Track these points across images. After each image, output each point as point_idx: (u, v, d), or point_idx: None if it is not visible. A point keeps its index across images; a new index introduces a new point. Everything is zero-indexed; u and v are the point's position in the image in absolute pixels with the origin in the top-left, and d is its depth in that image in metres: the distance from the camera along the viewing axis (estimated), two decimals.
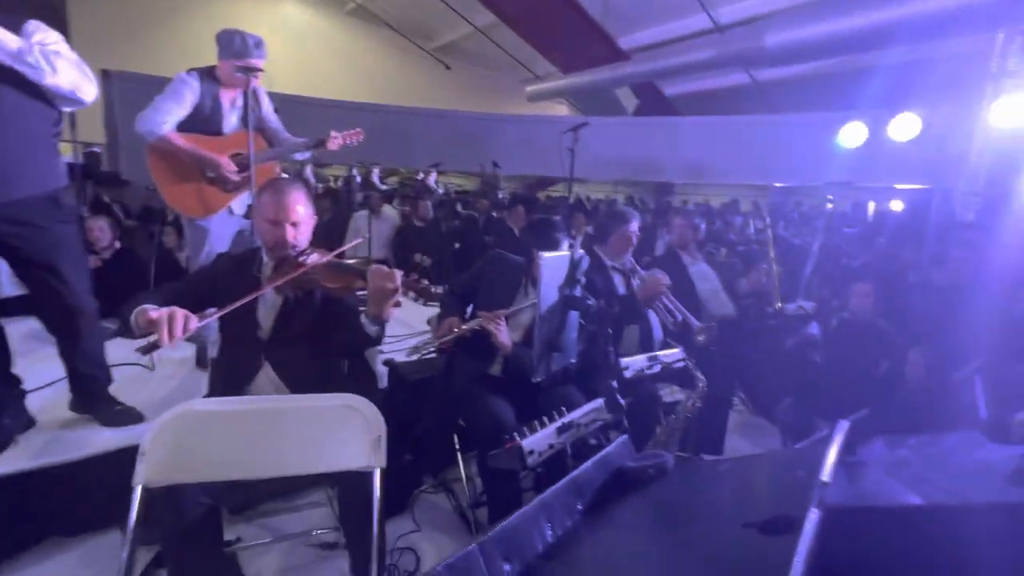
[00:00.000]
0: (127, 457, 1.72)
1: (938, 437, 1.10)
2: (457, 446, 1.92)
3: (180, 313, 1.17)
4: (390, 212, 6.21)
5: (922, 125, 4.98)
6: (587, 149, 5.66)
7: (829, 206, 3.58)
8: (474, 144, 8.54)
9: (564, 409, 1.07)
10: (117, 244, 3.36)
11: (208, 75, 2.36)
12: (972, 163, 4.77)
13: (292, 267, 1.49)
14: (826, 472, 0.64)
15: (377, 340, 1.50)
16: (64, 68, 1.60)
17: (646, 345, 2.30)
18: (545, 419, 1.03)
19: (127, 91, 5.99)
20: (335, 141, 2.53)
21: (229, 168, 2.34)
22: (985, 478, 0.77)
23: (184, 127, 2.32)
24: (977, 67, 4.73)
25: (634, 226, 2.47)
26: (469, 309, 2.01)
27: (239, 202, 2.49)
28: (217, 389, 1.50)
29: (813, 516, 0.56)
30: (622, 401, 1.12)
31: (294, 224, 1.52)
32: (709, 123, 9.21)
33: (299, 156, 2.58)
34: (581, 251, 1.37)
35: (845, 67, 8.88)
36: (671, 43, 9.68)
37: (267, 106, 2.55)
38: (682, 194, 11.26)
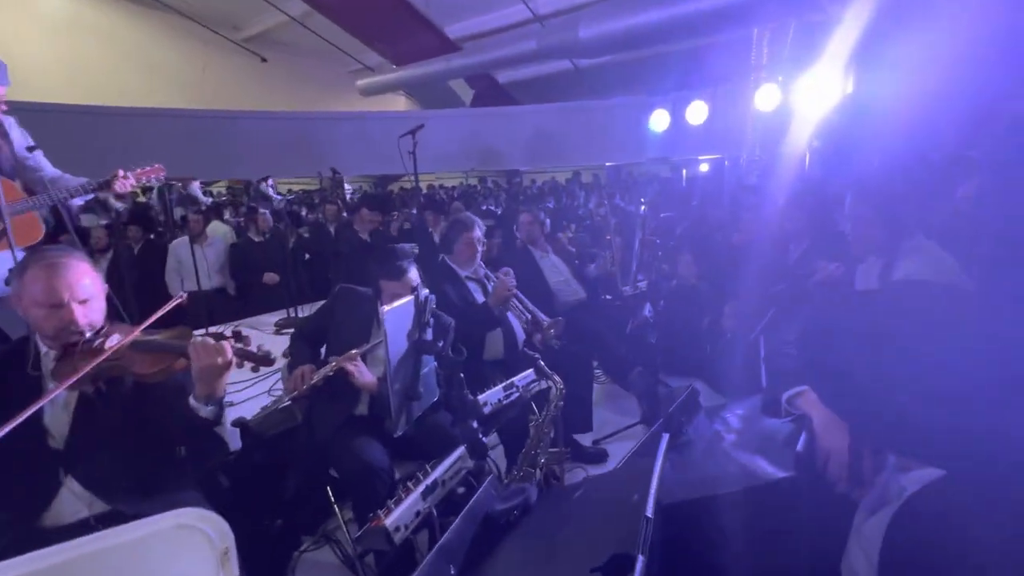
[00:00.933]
0: None
1: (748, 403, 1.33)
2: (332, 498, 1.80)
3: None
4: (219, 231, 5.49)
5: (709, 109, 5.92)
6: (430, 143, 5.60)
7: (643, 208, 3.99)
8: (308, 147, 7.88)
9: (427, 468, 1.06)
10: None
11: None
12: (748, 136, 5.79)
13: (87, 355, 1.23)
14: (650, 507, 0.73)
15: (216, 421, 1.31)
16: None
17: (510, 348, 2.40)
18: (409, 484, 1.01)
19: None
20: (125, 182, 2.13)
21: None
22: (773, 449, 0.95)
23: None
24: (746, 57, 5.73)
25: (477, 232, 2.52)
26: (323, 351, 1.88)
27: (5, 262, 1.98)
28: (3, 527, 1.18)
29: (640, 563, 0.64)
30: (484, 440, 1.15)
31: (82, 302, 1.26)
32: (542, 110, 9.73)
33: (77, 201, 2.12)
34: (425, 291, 1.36)
35: (649, 55, 10.03)
36: (497, 32, 9.95)
37: (20, 142, 2.06)
38: (530, 173, 11.78)
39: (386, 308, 1.18)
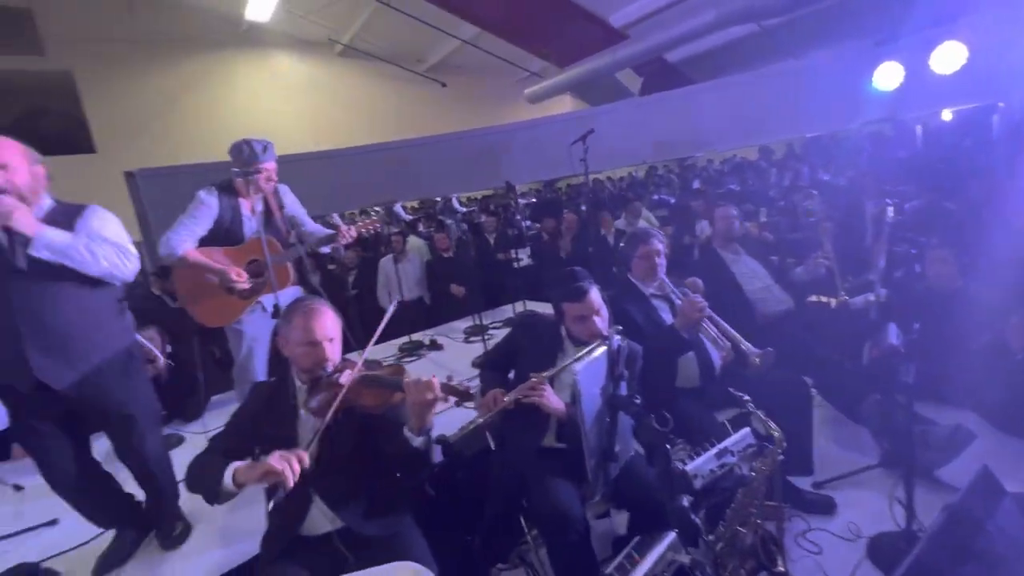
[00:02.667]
0: None
1: None
2: (525, 527, 1.83)
3: (289, 453, 1.26)
4: (415, 245, 6.21)
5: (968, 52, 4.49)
6: (599, 141, 5.46)
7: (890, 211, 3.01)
8: (485, 160, 8.45)
9: (633, 555, 0.95)
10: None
11: (226, 188, 2.42)
12: None
13: (329, 388, 1.45)
14: None
15: (426, 450, 1.44)
16: (104, 254, 1.68)
17: (707, 374, 2.13)
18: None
19: (150, 187, 6.24)
20: (349, 233, 2.56)
21: (237, 279, 2.34)
22: None
23: (207, 240, 2.36)
24: None
25: (655, 244, 2.28)
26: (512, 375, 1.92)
27: (272, 301, 2.51)
28: (273, 535, 1.46)
29: None
30: (697, 520, 0.99)
31: (331, 340, 1.49)
32: (721, 85, 8.71)
33: (325, 249, 2.60)
34: (618, 339, 1.25)
35: None
36: (665, 9, 9.25)
37: (291, 204, 2.57)
38: (708, 155, 10.66)
39: (577, 365, 1.11)
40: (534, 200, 10.66)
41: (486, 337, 3.92)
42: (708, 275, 2.67)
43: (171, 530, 2.01)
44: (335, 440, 1.47)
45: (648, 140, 8.40)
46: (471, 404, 1.43)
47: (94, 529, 2.05)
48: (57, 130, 9.02)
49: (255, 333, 2.52)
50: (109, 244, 1.71)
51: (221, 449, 1.45)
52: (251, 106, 9.99)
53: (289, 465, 1.24)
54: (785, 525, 1.66)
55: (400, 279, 4.84)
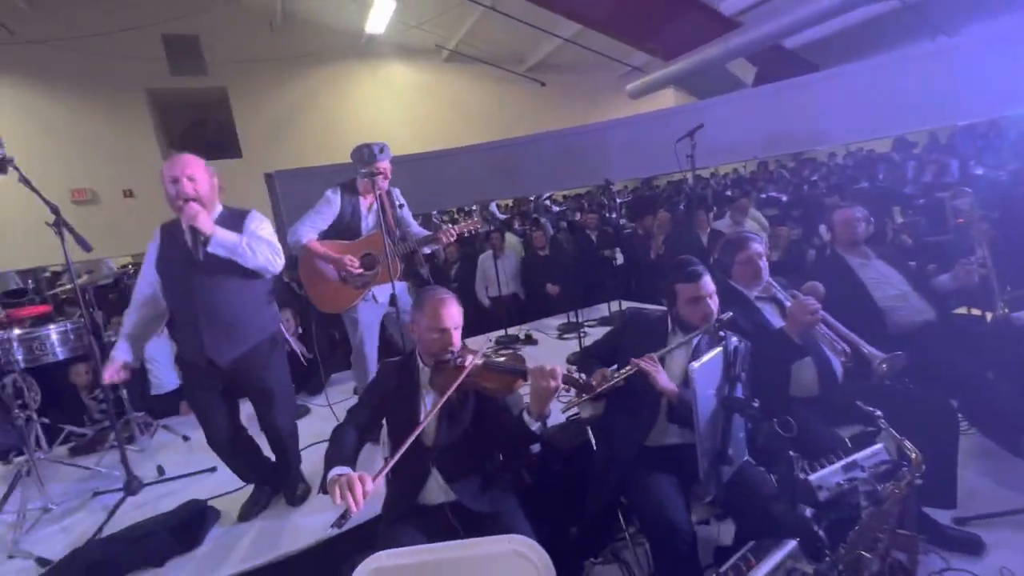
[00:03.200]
0: (326, 548, 2.01)
1: None
2: (623, 524, 1.83)
3: (355, 479, 1.27)
4: (511, 243, 6.36)
5: None
6: (705, 138, 5.17)
7: None
8: (583, 159, 8.42)
9: (749, 557, 0.92)
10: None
11: (348, 187, 2.69)
12: None
13: (453, 371, 1.56)
14: None
15: (542, 435, 1.51)
16: (261, 251, 2.00)
17: (827, 382, 1.96)
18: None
19: (286, 186, 7.09)
20: (449, 234, 2.72)
21: (351, 265, 2.58)
22: None
23: (328, 234, 2.64)
24: None
25: (755, 247, 2.13)
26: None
27: (381, 291, 2.74)
28: (394, 501, 1.62)
29: None
30: (821, 533, 0.93)
31: (456, 328, 1.62)
32: (850, 71, 7.81)
33: (427, 249, 2.80)
34: (735, 339, 1.21)
35: None
36: None
37: (401, 202, 2.80)
38: (831, 148, 9.61)
39: (694, 364, 1.10)
40: (630, 198, 10.41)
41: (581, 335, 3.93)
42: (831, 280, 2.44)
43: (295, 489, 2.32)
44: (453, 419, 1.59)
45: (760, 134, 7.80)
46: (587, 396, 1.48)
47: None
48: (213, 138, 10.53)
49: (368, 321, 2.76)
50: (264, 243, 2.03)
51: (354, 421, 1.63)
52: (366, 112, 10.89)
53: (350, 492, 1.26)
54: (919, 558, 1.49)
55: (498, 274, 5.01)
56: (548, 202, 11.69)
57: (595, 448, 1.87)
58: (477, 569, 1.01)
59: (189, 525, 2.07)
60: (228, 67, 9.63)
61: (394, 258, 2.59)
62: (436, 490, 1.56)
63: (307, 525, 2.10)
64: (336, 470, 1.37)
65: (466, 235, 2.89)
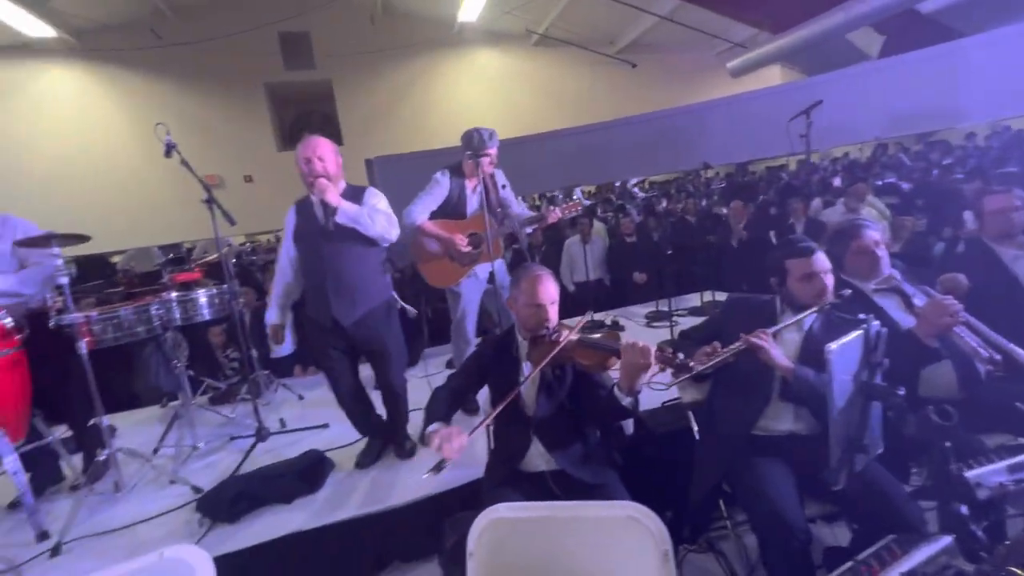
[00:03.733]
0: (432, 502, 2.17)
1: None
2: (724, 512, 1.79)
3: (453, 431, 1.44)
4: (598, 229, 6.29)
5: None
6: (817, 119, 4.72)
7: None
8: (674, 142, 8.06)
9: (893, 548, 0.86)
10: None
11: (456, 170, 2.81)
12: None
13: (549, 345, 1.62)
14: None
15: (634, 411, 1.53)
16: (379, 221, 2.22)
17: (969, 383, 1.76)
18: (872, 563, 0.85)
19: (385, 172, 7.51)
20: (553, 215, 2.78)
21: (461, 244, 2.71)
22: None
23: (437, 214, 2.79)
24: None
25: (871, 235, 1.92)
26: None
27: (482, 268, 2.86)
28: (496, 466, 1.71)
29: None
30: (979, 533, 0.85)
31: (552, 304, 1.67)
32: (1000, 37, 6.68)
33: (528, 230, 2.86)
34: (877, 324, 1.12)
35: None
36: None
37: (504, 184, 2.88)
38: (972, 128, 8.31)
39: (832, 346, 1.04)
40: (723, 185, 9.80)
41: (672, 323, 3.83)
42: (976, 275, 2.17)
43: (403, 445, 2.55)
44: (551, 391, 1.64)
45: (884, 112, 6.96)
46: (686, 375, 1.46)
47: (353, 435, 2.65)
48: (318, 128, 11.40)
49: (470, 297, 2.89)
50: (382, 214, 2.26)
51: (453, 386, 1.76)
52: (457, 99, 11.19)
53: (449, 446, 1.43)
54: None
55: (587, 260, 4.99)
56: (635, 188, 11.37)
57: (697, 434, 1.83)
58: (592, 530, 1.05)
59: (312, 471, 2.32)
60: (333, 60, 10.32)
61: (496, 238, 2.68)
62: (537, 458, 1.62)
63: (415, 481, 2.27)
64: (434, 425, 1.52)
65: (568, 217, 2.91)
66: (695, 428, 1.83)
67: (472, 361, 1.83)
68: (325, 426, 2.96)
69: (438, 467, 1.36)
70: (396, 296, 2.63)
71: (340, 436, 2.74)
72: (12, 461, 2.13)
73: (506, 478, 1.62)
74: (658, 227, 6.89)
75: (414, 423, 2.63)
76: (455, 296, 2.91)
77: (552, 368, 1.64)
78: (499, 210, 2.86)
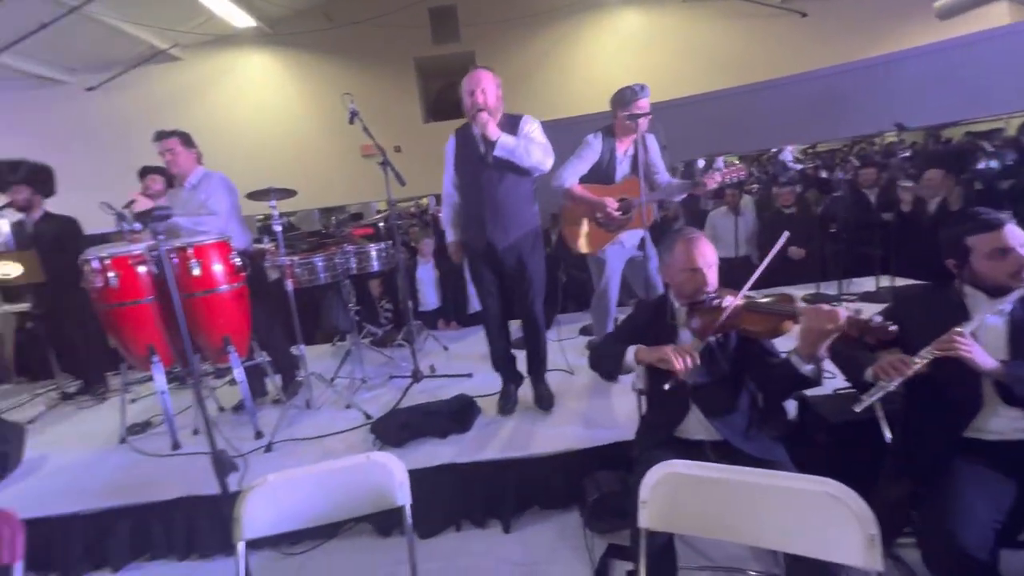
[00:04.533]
0: (570, 457, 2.25)
1: None
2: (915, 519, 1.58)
3: (683, 348, 1.46)
4: (746, 202, 5.76)
5: None
6: None
7: None
8: (847, 104, 6.94)
9: None
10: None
11: (607, 132, 2.76)
12: None
13: (711, 311, 1.55)
14: None
15: (816, 380, 1.42)
16: (534, 151, 2.31)
17: None
18: None
19: None
20: (712, 180, 2.58)
21: (611, 208, 2.66)
22: None
23: (585, 178, 2.77)
24: None
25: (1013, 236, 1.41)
26: None
27: (630, 235, 2.80)
28: (650, 431, 1.70)
29: None
30: None
31: (710, 267, 1.59)
32: None
33: (677, 198, 2.71)
34: None
35: None
36: None
37: (654, 153, 2.77)
38: None
39: None
40: (908, 154, 8.20)
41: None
42: None
43: (541, 393, 2.66)
44: (712, 358, 1.57)
45: None
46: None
47: (494, 386, 2.83)
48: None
49: (615, 265, 2.87)
50: (537, 144, 2.35)
51: (616, 337, 1.78)
52: (597, 65, 10.84)
53: (682, 359, 1.44)
54: None
55: (737, 234, 4.62)
56: (788, 156, 10.11)
57: (889, 439, 1.63)
58: (781, 501, 1.00)
59: (463, 412, 2.54)
60: (476, 32, 10.61)
61: (649, 203, 2.60)
62: (696, 425, 1.58)
63: (554, 434, 2.38)
64: (633, 347, 1.60)
65: (728, 183, 2.71)
66: (887, 434, 1.63)
67: (626, 325, 1.83)
68: (469, 375, 3.20)
69: (674, 383, 1.45)
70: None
71: (482, 385, 2.94)
72: (239, 372, 2.67)
73: (662, 444, 1.61)
74: (819, 200, 6.09)
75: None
76: (598, 264, 2.90)
77: (715, 334, 1.57)
78: (655, 178, 2.76)
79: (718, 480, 1.04)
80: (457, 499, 2.23)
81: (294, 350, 3.08)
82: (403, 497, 1.33)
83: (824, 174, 9.57)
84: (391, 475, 1.32)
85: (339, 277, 3.08)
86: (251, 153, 9.04)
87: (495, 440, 2.41)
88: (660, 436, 1.62)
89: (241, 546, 1.25)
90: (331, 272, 3.02)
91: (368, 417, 2.73)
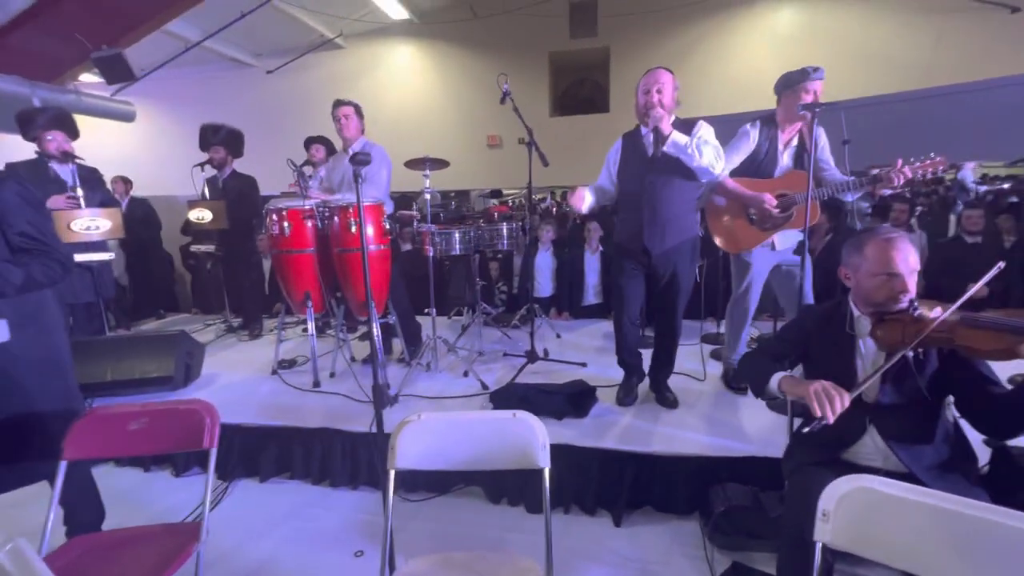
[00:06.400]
0: (695, 462, 2.11)
1: None
2: None
3: (832, 390, 1.25)
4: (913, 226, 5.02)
5: None
6: None
7: None
8: None
9: None
10: None
11: (768, 120, 2.54)
12: None
13: (910, 324, 1.34)
14: None
15: None
16: (706, 152, 2.21)
17: None
18: None
19: None
20: (900, 175, 2.20)
21: (769, 204, 2.43)
22: None
23: (738, 172, 2.57)
24: None
25: None
26: None
27: (783, 238, 2.55)
28: (807, 449, 1.51)
29: None
30: None
31: (911, 272, 1.39)
32: None
33: (849, 197, 2.39)
34: None
35: None
36: None
37: (822, 147, 2.50)
38: None
39: None
40: None
41: None
42: None
43: (665, 393, 2.59)
44: (903, 377, 1.36)
45: None
46: None
47: (608, 375, 2.76)
48: (586, 95, 11.83)
49: (760, 269, 2.63)
50: (710, 146, 2.23)
51: (768, 351, 1.59)
52: (743, 63, 10.08)
53: (828, 404, 1.23)
54: None
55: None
56: (968, 175, 8.62)
57: None
58: (1007, 546, 0.83)
59: (580, 397, 2.51)
60: (614, 25, 10.42)
61: (814, 200, 2.35)
62: (871, 451, 1.39)
63: (675, 436, 2.26)
64: (779, 375, 1.42)
65: (920, 179, 2.31)
66: None
67: (793, 331, 1.64)
68: (584, 365, 3.16)
69: (817, 423, 1.25)
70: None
71: (596, 377, 2.88)
72: (376, 326, 2.89)
73: (823, 465, 1.43)
74: (1014, 232, 5.11)
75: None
76: (742, 265, 2.68)
77: (914, 350, 1.36)
78: (823, 173, 2.48)
79: (933, 508, 0.89)
80: (570, 482, 2.21)
81: (430, 312, 3.25)
82: (544, 460, 1.33)
83: (1014, 199, 8.08)
84: (535, 436, 1.33)
85: (471, 251, 3.21)
86: (391, 136, 9.77)
87: (612, 430, 2.35)
88: (821, 456, 1.45)
89: (391, 474, 1.34)
90: (465, 244, 3.15)
91: (484, 387, 2.82)
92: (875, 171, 2.32)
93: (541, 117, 10.79)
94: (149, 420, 1.50)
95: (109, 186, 5.54)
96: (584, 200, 2.46)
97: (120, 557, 1.31)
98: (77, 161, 3.29)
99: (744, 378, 1.64)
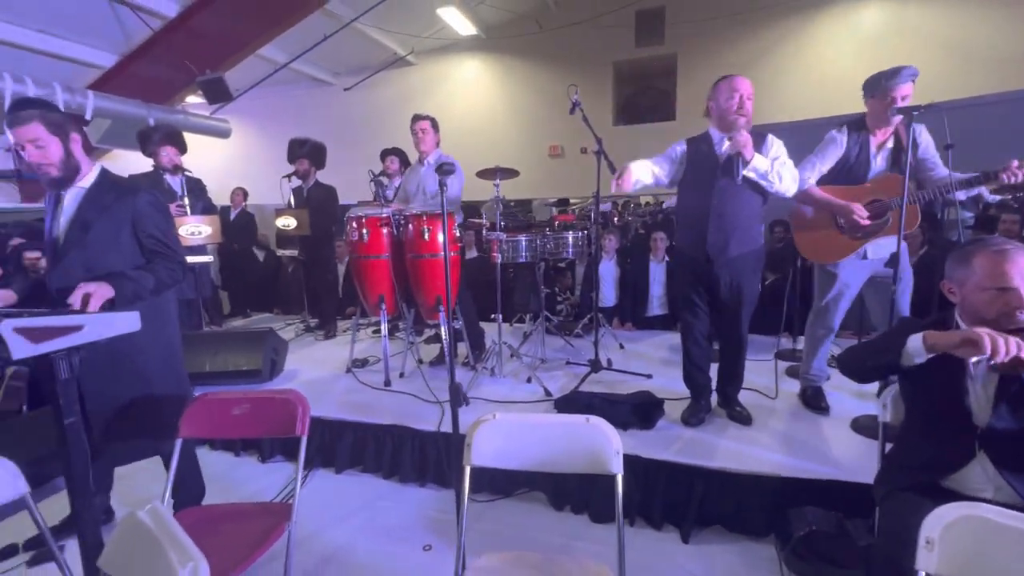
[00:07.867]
0: (770, 483, 2.01)
1: None
2: None
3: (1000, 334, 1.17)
4: None
5: None
6: None
7: None
8: None
9: None
10: None
11: (857, 124, 2.40)
12: None
13: None
14: None
15: None
16: (785, 176, 2.20)
17: None
18: None
19: None
20: (1011, 176, 2.00)
21: (860, 214, 2.29)
22: None
23: (827, 179, 2.44)
24: None
25: None
26: None
27: (876, 247, 2.39)
28: (903, 474, 1.40)
29: None
30: None
31: None
32: None
33: (960, 195, 2.20)
34: None
35: None
36: None
37: (925, 145, 2.33)
38: None
39: None
40: None
41: None
42: None
43: (736, 408, 2.51)
44: (1020, 401, 1.24)
45: None
46: None
47: (674, 388, 2.70)
48: (651, 103, 11.63)
49: (848, 280, 2.47)
50: (788, 169, 2.20)
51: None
52: (824, 65, 9.52)
53: (1002, 341, 1.13)
54: None
55: None
56: None
57: None
58: None
59: (645, 408, 2.47)
60: (682, 32, 10.19)
61: (913, 204, 2.20)
62: (980, 478, 1.27)
63: (747, 453, 2.17)
64: (919, 333, 1.31)
65: None
66: None
67: (895, 338, 1.53)
68: (649, 376, 3.10)
69: (983, 358, 1.17)
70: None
71: (662, 389, 2.82)
72: (448, 329, 2.99)
73: (920, 489, 1.33)
74: None
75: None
76: (828, 276, 2.52)
77: None
78: (930, 173, 2.32)
79: None
80: (635, 494, 2.17)
81: (496, 318, 3.32)
82: (617, 466, 1.33)
83: None
84: (609, 442, 1.34)
85: (536, 259, 3.25)
86: (456, 147, 10.10)
87: (679, 444, 2.29)
88: (919, 480, 1.34)
89: (467, 470, 1.39)
90: (532, 252, 3.20)
91: (548, 393, 2.83)
92: (987, 171, 2.14)
93: (605, 126, 10.74)
94: (250, 407, 1.64)
95: (229, 197, 6.15)
96: (631, 177, 2.27)
97: (226, 528, 1.45)
98: (186, 173, 3.68)
99: (858, 359, 1.49)
